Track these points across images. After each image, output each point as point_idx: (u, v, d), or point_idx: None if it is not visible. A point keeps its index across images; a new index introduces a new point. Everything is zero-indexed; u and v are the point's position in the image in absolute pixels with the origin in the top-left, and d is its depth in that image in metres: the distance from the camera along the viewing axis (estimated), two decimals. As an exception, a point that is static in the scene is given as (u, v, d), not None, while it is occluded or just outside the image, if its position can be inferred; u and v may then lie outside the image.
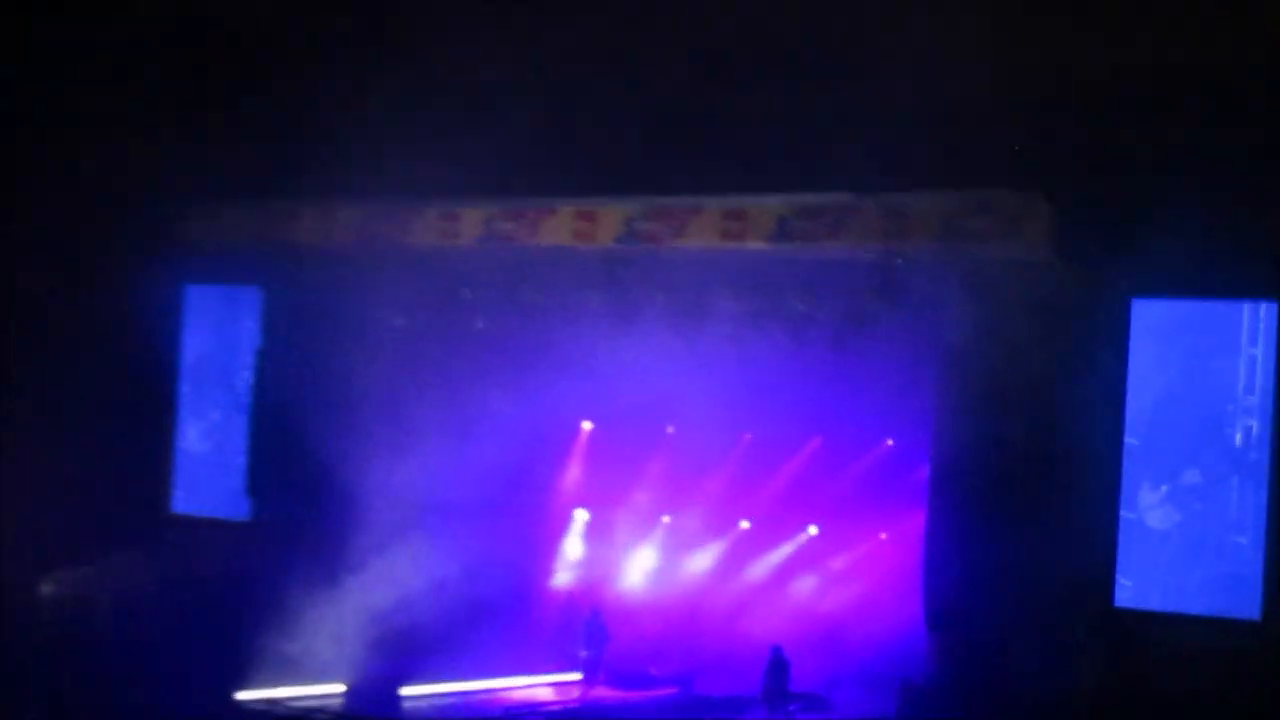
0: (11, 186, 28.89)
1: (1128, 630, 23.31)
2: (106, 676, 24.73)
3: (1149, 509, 23.48)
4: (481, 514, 29.47)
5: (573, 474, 33.68)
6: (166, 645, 25.84)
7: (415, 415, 29.49)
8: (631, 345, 27.49)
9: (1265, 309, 22.99)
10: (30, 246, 29.35)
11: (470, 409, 29.66)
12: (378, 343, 29.21)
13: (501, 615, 29.46)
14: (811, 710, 27.24)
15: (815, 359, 26.79)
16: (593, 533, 33.83)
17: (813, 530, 32.47)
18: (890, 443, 31.34)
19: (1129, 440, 23.57)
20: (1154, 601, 23.37)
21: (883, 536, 31.44)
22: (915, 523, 27.29)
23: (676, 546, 33.45)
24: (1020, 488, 23.69)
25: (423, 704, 26.16)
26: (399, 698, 25.81)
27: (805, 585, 32.38)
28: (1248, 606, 22.68)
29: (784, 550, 32.79)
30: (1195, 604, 23.07)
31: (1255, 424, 22.97)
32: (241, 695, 25.28)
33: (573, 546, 33.83)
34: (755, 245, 25.00)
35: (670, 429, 32.82)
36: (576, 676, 29.35)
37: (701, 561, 33.33)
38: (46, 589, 28.67)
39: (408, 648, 26.87)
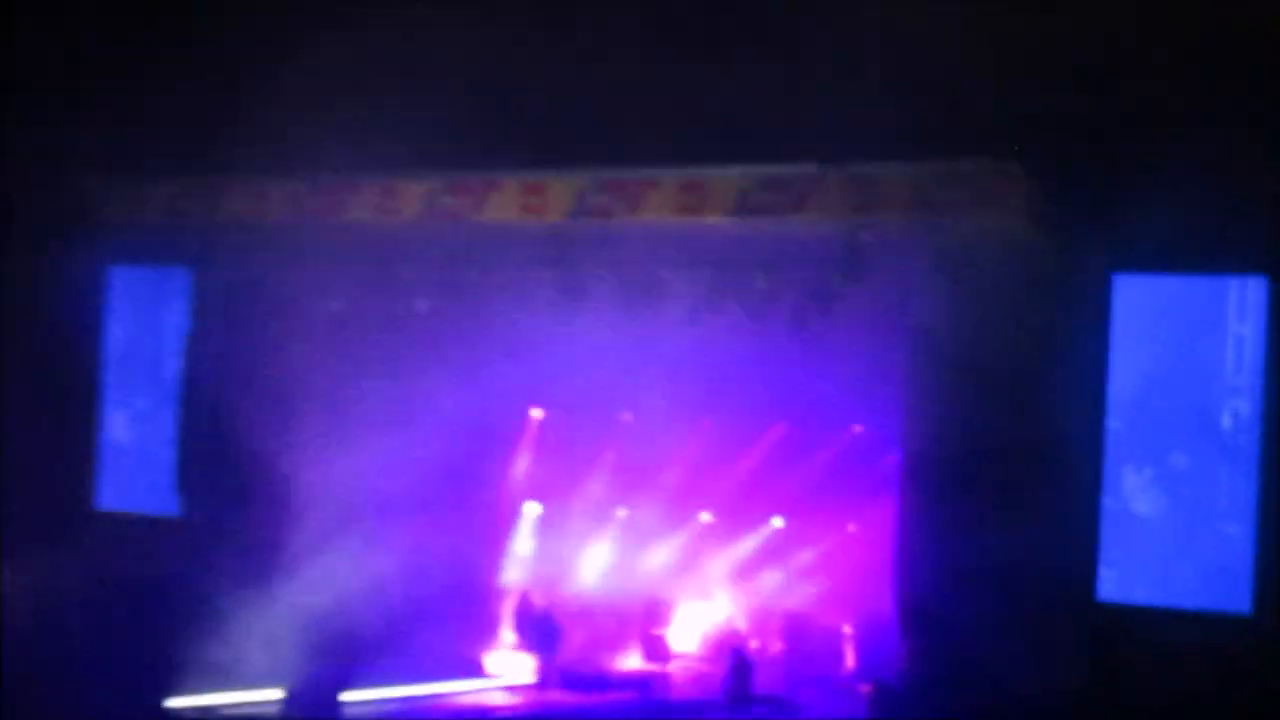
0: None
1: (1111, 626, 23.20)
2: (25, 683, 24.33)
3: (1133, 495, 23.40)
4: (425, 509, 29.17)
5: (522, 465, 33.58)
6: (90, 650, 25.32)
7: (354, 404, 29.30)
8: (583, 327, 27.35)
9: (1254, 284, 22.89)
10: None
11: (413, 396, 29.35)
12: (313, 327, 29.03)
13: (448, 616, 29.33)
14: (777, 714, 26.96)
15: (778, 340, 26.68)
16: (544, 527, 33.69)
17: (777, 522, 32.49)
18: (858, 429, 31.33)
19: (1111, 423, 23.48)
20: (1139, 595, 23.27)
21: (851, 529, 31.47)
22: (886, 514, 27.22)
23: (633, 541, 33.37)
24: (996, 475, 23.53)
25: (365, 710, 25.81)
26: (339, 704, 25.40)
27: (770, 581, 32.41)
28: (1238, 600, 22.61)
29: (747, 544, 32.81)
30: (1183, 597, 22.97)
31: (1244, 406, 22.90)
32: (171, 703, 24.82)
33: (523, 542, 33.71)
34: (714, 220, 24.76)
35: (625, 416, 32.80)
36: (528, 680, 29.19)
37: (659, 556, 33.27)
38: (-42, 591, 28.37)
39: (348, 651, 26.39)
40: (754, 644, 30.65)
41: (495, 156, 25.95)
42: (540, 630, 29.51)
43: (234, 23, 26.99)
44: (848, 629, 30.76)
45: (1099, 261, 23.43)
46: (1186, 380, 23.23)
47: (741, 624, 32.00)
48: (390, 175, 26.76)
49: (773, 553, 32.48)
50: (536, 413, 33.40)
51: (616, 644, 30.59)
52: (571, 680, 28.93)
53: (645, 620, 31.73)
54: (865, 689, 26.85)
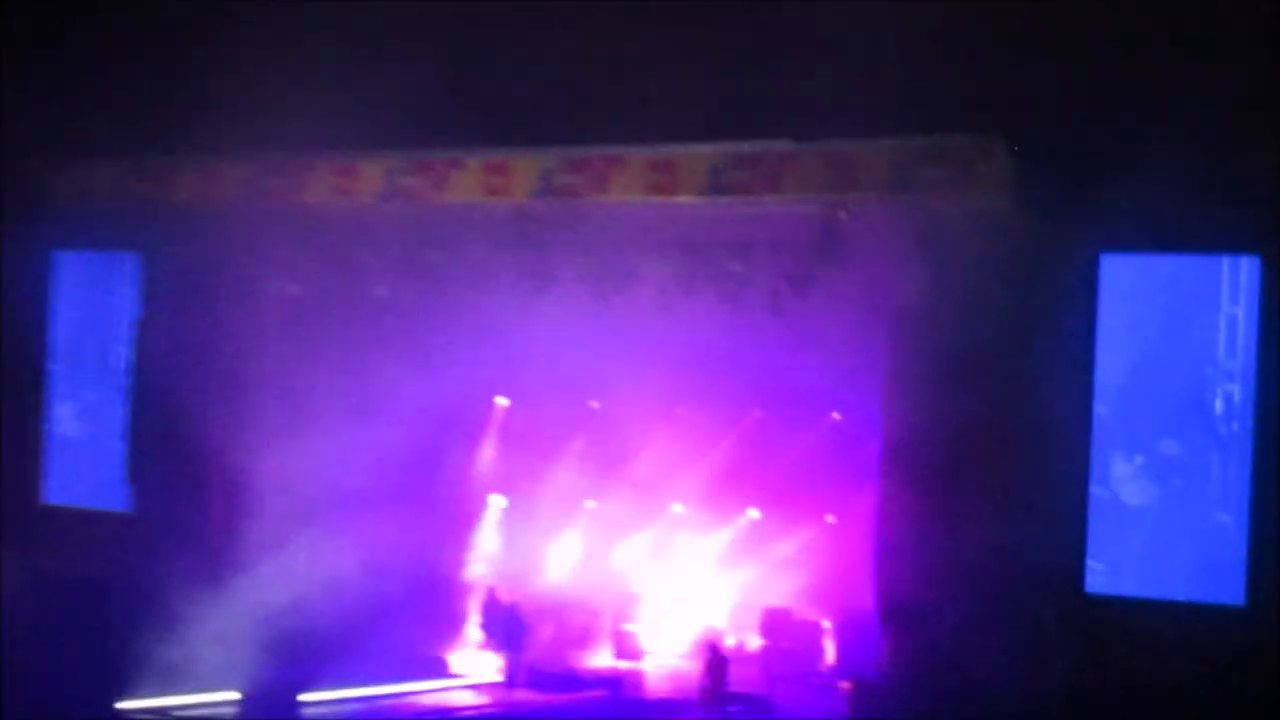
0: None
1: (1100, 619, 23.06)
2: (-32, 688, 24.35)
3: (1122, 483, 23.28)
4: (386, 502, 28.95)
5: (486, 456, 33.49)
6: (39, 650, 25.20)
7: (311, 393, 29.09)
8: (549, 312, 27.27)
9: (1247, 264, 22.77)
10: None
11: (372, 385, 29.20)
12: (269, 313, 28.93)
13: (411, 613, 29.17)
14: (753, 713, 26.98)
15: (753, 325, 26.62)
16: (510, 520, 33.59)
17: (753, 513, 32.54)
18: (837, 416, 31.40)
19: (1099, 409, 23.35)
20: (1129, 587, 23.15)
21: (830, 520, 31.50)
22: (865, 505, 27.07)
23: (603, 534, 33.38)
24: (980, 463, 23.47)
25: (325, 711, 25.79)
26: (298, 705, 25.39)
27: (745, 574, 32.43)
28: (1232, 591, 22.48)
29: (722, 536, 32.87)
30: (1174, 589, 22.86)
31: (1237, 390, 22.79)
32: (124, 705, 24.81)
33: (488, 536, 33.60)
34: (685, 199, 24.69)
35: (594, 404, 32.82)
36: (494, 679, 29.11)
37: (631, 550, 33.31)
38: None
39: (307, 651, 26.30)
40: (730, 640, 30.55)
41: (457, 135, 25.83)
42: (507, 627, 29.32)
43: (190, -1, 26.93)
44: (827, 624, 30.85)
45: (1086, 241, 23.26)
46: (1177, 364, 23.10)
47: (717, 619, 31.81)
48: (348, 155, 26.63)
49: (749, 545, 32.50)
50: (502, 401, 33.29)
51: (586, 641, 30.58)
52: (539, 679, 28.85)
53: (616, 616, 31.72)
54: (845, 686, 26.70)
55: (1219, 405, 22.94)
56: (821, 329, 26.92)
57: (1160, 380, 23.23)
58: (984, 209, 23.03)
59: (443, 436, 31.12)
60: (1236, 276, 22.89)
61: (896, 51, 23.17)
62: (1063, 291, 23.34)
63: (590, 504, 33.39)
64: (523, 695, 28.39)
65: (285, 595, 26.64)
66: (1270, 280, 22.46)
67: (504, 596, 30.44)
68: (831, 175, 23.72)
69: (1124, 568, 23.23)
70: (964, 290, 23.11)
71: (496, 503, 33.65)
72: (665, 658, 31.67)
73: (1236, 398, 22.83)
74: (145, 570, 27.52)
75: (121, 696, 24.84)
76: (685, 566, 33.04)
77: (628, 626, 31.52)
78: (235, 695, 25.18)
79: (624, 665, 30.62)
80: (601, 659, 30.86)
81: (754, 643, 31.42)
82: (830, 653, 30.71)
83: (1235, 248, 22.85)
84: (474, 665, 29.79)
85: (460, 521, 33.10)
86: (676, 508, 33.10)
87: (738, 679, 27.14)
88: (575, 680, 29.13)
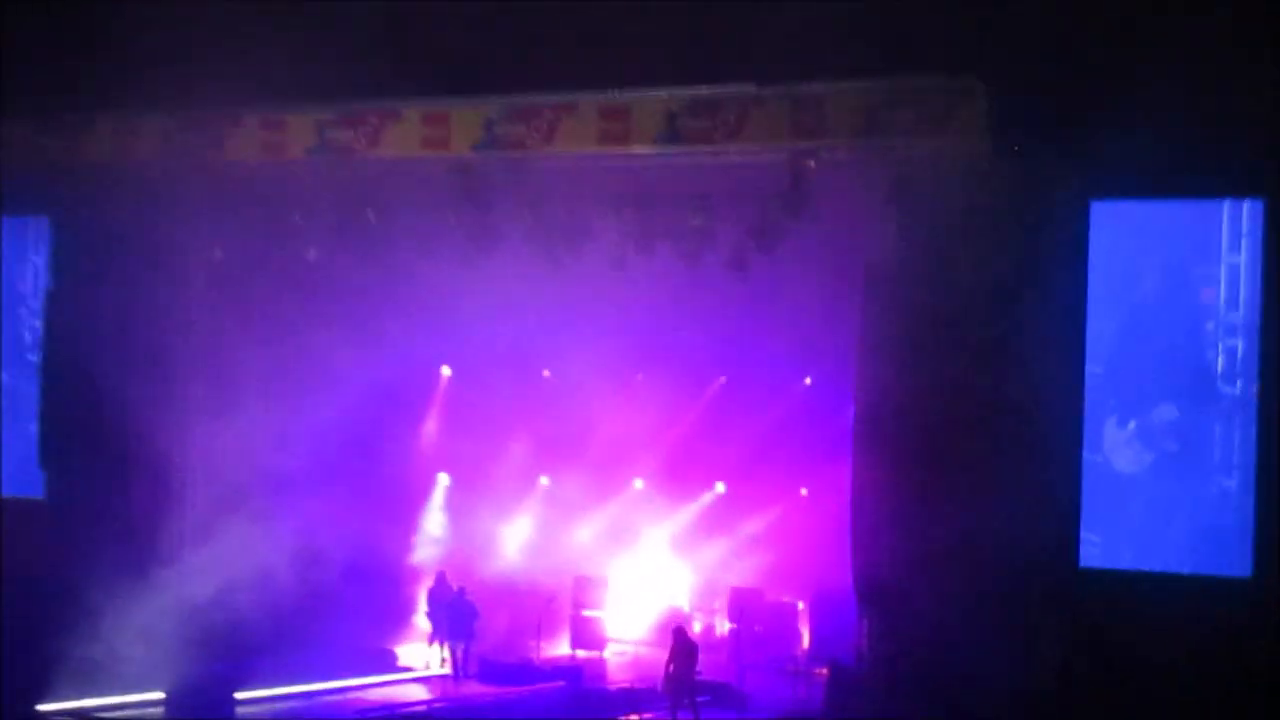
0: None
1: (1095, 595, 22.92)
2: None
3: (1116, 449, 23.15)
4: (324, 484, 28.82)
5: (431, 431, 33.38)
6: (-50, 651, 25.21)
7: (240, 367, 28.83)
8: (495, 275, 27.17)
9: (1249, 208, 22.58)
10: None
11: (306, 358, 29.05)
12: (192, 281, 28.68)
13: (352, 603, 28.93)
14: (722, 703, 26.75)
15: (715, 284, 26.55)
16: (457, 500, 33.49)
17: (720, 488, 32.62)
18: (808, 381, 31.47)
19: (1091, 369, 23.19)
20: (1126, 560, 23.06)
21: (803, 493, 31.56)
22: (840, 477, 26.85)
23: (558, 513, 33.31)
24: (963, 430, 23.30)
25: (261, 710, 25.68)
26: (231, 703, 25.21)
27: (713, 554, 32.41)
28: (1236, 562, 22.39)
29: (687, 513, 32.87)
30: (1175, 561, 22.76)
31: (1240, 345, 22.66)
32: (44, 707, 24.59)
33: (434, 518, 33.56)
34: (640, 149, 24.58)
35: (545, 374, 32.76)
36: (443, 671, 29.11)
37: (589, 530, 33.27)
38: None
39: (241, 646, 26.20)
40: (697, 625, 30.63)
41: (392, 83, 25.55)
42: (456, 616, 29.26)
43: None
44: (801, 606, 30.85)
45: (1073, 188, 23.09)
46: (1175, 319, 23.00)
47: (683, 603, 31.93)
48: (275, 107, 26.48)
49: (716, 522, 32.54)
50: (445, 372, 33.23)
51: (542, 629, 30.24)
52: (492, 671, 28.82)
53: (574, 602, 31.60)
54: (821, 673, 26.83)
55: (1220, 363, 22.86)
56: (790, 288, 26.90)
57: (1157, 337, 23.12)
58: (962, 155, 22.90)
59: (383, 411, 30.89)
60: (1237, 223, 22.76)
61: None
62: (1050, 243, 23.15)
63: (544, 481, 33.43)
64: (474, 689, 28.33)
65: (215, 586, 26.48)
66: (1275, 225, 22.33)
67: (452, 582, 30.26)
68: (798, 121, 23.66)
69: (1120, 539, 23.15)
70: (943, 244, 22.95)
71: (442, 481, 33.62)
72: (628, 645, 31.73)
73: (1239, 354, 22.72)
74: (62, 562, 27.32)
75: (42, 698, 24.62)
76: (648, 547, 33.02)
77: (587, 613, 31.44)
78: (160, 694, 25.08)
79: (583, 654, 30.63)
80: (559, 648, 30.85)
81: (723, 627, 31.45)
82: (805, 637, 30.71)
83: (1236, 191, 22.69)
84: (421, 657, 29.75)
85: (404, 503, 33.00)
86: (637, 483, 33.18)
87: (706, 666, 26.88)
88: (531, 671, 29.00)
